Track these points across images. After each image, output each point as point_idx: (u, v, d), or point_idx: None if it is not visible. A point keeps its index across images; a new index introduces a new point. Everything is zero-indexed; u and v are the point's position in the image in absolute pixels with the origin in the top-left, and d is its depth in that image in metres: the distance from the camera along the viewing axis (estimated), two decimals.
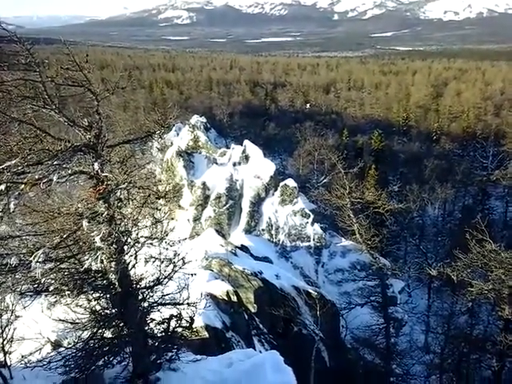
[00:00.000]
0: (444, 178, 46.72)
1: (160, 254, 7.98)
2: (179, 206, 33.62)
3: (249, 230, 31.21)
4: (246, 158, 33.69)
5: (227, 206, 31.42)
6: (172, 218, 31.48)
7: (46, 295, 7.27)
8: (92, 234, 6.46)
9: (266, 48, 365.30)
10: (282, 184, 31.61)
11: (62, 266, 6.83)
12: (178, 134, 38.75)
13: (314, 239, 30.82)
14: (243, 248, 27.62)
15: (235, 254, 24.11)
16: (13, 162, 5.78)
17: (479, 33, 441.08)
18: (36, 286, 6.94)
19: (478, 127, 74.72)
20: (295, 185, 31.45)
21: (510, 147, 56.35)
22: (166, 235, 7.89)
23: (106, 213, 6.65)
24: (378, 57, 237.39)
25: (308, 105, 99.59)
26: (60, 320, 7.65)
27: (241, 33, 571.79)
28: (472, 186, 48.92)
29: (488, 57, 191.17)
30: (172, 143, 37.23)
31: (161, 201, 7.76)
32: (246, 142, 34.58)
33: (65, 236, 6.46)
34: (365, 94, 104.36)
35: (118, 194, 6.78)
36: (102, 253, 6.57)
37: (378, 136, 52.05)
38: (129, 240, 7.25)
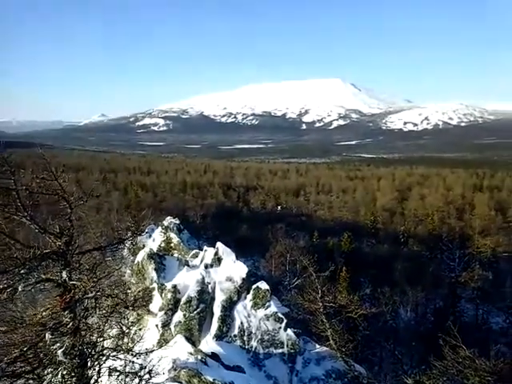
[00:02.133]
0: (414, 280, 47.12)
1: (125, 366, 7.59)
2: (148, 311, 32.15)
3: (220, 336, 29.76)
4: (219, 260, 33.40)
5: (198, 310, 30.25)
6: (140, 325, 30.02)
7: None
8: (54, 347, 6.18)
9: (238, 154, 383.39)
10: (254, 287, 31.03)
11: (20, 381, 6.39)
12: (150, 236, 38.51)
13: (287, 345, 29.51)
14: (214, 356, 26.13)
15: (205, 363, 22.76)
16: None
17: (437, 142, 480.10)
18: None
19: (443, 230, 77.58)
20: (267, 287, 30.92)
21: (475, 250, 58.26)
22: (133, 346, 7.60)
23: (71, 324, 6.43)
24: (344, 163, 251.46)
25: (279, 207, 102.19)
26: None
27: (215, 140, 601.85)
28: (442, 288, 49.37)
29: (447, 165, 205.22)
30: (144, 245, 36.83)
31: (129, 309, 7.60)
32: (219, 244, 34.54)
33: (25, 349, 6.15)
34: (333, 198, 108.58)
35: (86, 303, 6.63)
36: (64, 367, 6.21)
37: (348, 238, 53.27)
38: (93, 352, 6.91)
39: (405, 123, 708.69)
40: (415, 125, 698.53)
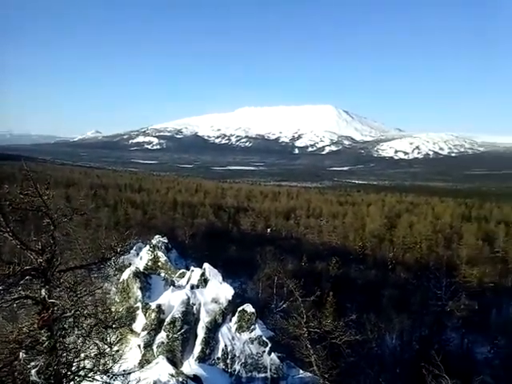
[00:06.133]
0: (400, 307, 47.01)
1: None
2: (131, 330, 31.69)
3: (203, 359, 29.30)
4: (205, 280, 33.16)
5: (182, 331, 29.86)
6: (122, 344, 29.47)
7: None
8: (28, 366, 6.10)
9: (230, 175, 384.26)
10: (239, 309, 30.79)
11: None
12: (137, 254, 38.20)
13: (271, 370, 29.13)
14: (196, 379, 25.74)
15: None
16: None
17: (427, 171, 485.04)
18: None
19: (431, 258, 77.85)
20: (253, 310, 30.69)
21: (461, 279, 58.48)
22: (111, 367, 7.46)
23: (47, 342, 6.36)
24: (335, 188, 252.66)
25: (269, 229, 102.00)
26: None
27: (208, 160, 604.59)
28: (428, 316, 49.25)
29: (436, 193, 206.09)
30: (130, 263, 36.48)
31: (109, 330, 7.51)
32: (206, 265, 34.34)
33: None
34: (323, 222, 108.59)
35: (64, 321, 6.57)
36: None
37: (336, 263, 53.28)
38: (68, 373, 6.80)
39: (396, 151, 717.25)
40: (406, 153, 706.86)
